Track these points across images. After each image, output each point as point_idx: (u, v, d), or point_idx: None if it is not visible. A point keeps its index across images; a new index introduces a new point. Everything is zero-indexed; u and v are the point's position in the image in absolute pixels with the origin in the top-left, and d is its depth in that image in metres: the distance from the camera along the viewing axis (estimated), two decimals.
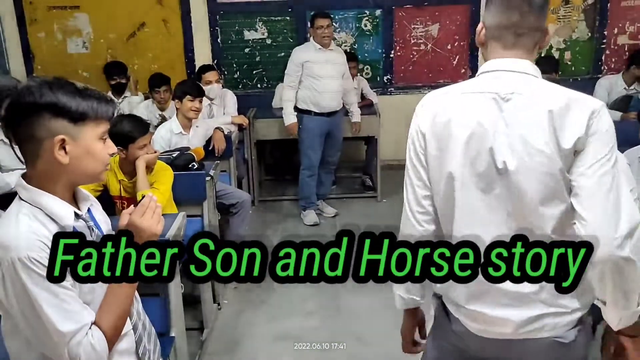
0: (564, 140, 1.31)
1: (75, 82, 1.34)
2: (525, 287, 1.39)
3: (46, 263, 1.23)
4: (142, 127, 2.84)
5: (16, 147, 1.31)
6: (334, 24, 4.54)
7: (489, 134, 1.37)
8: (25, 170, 1.34)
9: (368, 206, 5.03)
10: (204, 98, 4.39)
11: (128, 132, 2.76)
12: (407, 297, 1.60)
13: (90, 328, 1.29)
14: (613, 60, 5.67)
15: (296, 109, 4.59)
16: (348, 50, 5.33)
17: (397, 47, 5.80)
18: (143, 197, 1.45)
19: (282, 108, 4.71)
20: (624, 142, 3.07)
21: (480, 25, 1.47)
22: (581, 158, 1.32)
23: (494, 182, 1.38)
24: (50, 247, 1.24)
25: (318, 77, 4.46)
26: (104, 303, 1.35)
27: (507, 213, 1.39)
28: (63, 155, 1.28)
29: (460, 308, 1.49)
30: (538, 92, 1.37)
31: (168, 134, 3.70)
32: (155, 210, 1.41)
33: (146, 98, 4.81)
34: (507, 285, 1.39)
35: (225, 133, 4.17)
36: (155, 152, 2.94)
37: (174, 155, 3.34)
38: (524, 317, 1.40)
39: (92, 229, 1.40)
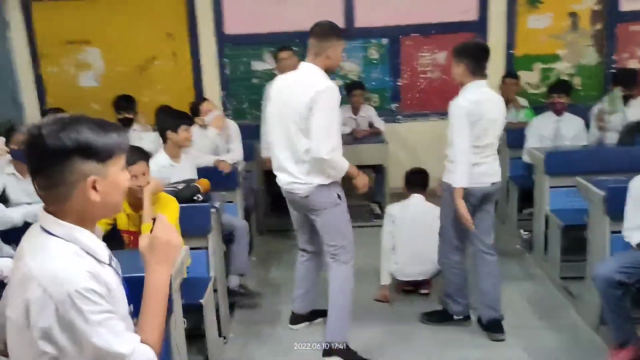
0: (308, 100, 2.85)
1: (89, 116, 1.32)
2: (291, 168, 2.98)
3: (100, 291, 1.25)
4: (133, 155, 2.75)
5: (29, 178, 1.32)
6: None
7: (287, 103, 2.96)
8: (41, 205, 1.33)
9: (377, 234, 4.96)
10: (211, 129, 4.45)
11: None
12: None
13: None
14: None
15: None
16: (355, 79, 5.34)
17: (405, 75, 5.82)
18: (154, 220, 1.46)
19: None
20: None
21: None
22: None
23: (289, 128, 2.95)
24: (94, 278, 1.26)
25: None
26: (144, 320, 1.38)
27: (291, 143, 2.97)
28: (95, 195, 1.29)
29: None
30: (304, 77, 2.96)
31: (155, 168, 3.40)
32: (170, 225, 1.46)
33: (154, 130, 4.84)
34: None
35: (231, 163, 4.19)
36: (147, 183, 2.86)
37: (179, 187, 3.33)
38: (287, 181, 3.03)
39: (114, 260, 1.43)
